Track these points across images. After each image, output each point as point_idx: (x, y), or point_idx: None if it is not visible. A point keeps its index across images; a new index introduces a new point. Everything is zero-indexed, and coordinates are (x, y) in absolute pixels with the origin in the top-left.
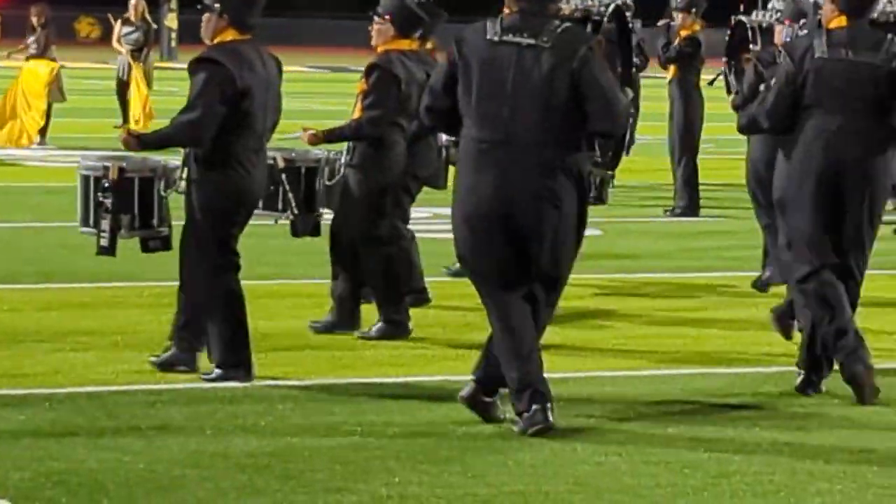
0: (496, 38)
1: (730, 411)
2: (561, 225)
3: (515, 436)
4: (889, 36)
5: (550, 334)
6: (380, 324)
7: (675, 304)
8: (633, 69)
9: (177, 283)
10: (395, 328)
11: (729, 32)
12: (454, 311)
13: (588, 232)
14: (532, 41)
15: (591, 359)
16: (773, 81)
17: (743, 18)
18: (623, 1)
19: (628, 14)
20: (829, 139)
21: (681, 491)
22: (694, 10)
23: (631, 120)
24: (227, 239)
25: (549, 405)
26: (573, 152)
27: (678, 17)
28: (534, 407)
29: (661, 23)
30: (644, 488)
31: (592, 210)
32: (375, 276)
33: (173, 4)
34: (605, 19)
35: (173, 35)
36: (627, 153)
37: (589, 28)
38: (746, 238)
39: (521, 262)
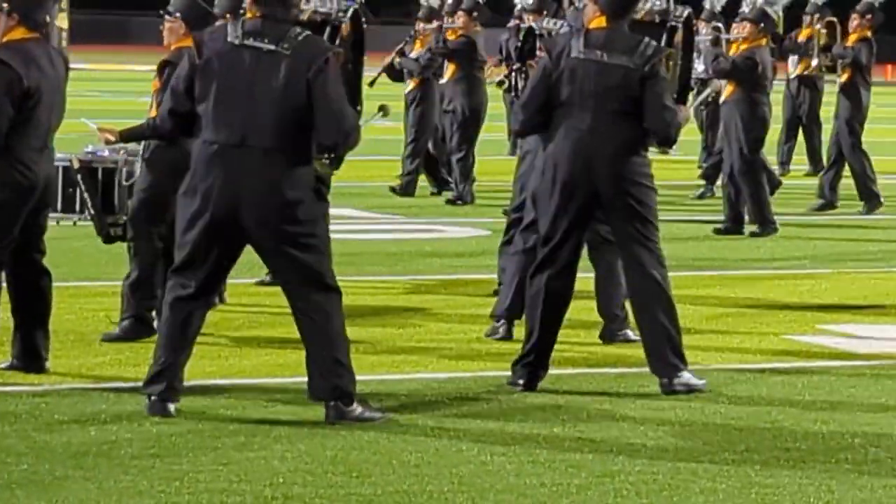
0: (237, 42)
1: (614, 411)
2: (291, 227)
3: (400, 435)
4: (645, 39)
5: (415, 336)
6: (126, 322)
7: None
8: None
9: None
10: (142, 326)
11: (521, 39)
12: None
13: (476, 232)
14: (273, 47)
15: (464, 360)
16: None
17: (533, 25)
18: (360, 1)
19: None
20: (581, 138)
21: (565, 490)
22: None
23: None
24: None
25: None
26: (306, 157)
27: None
28: None
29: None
30: (528, 488)
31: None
32: (145, 268)
33: (64, 4)
34: (345, 23)
35: (64, 35)
36: None
37: (327, 32)
38: None
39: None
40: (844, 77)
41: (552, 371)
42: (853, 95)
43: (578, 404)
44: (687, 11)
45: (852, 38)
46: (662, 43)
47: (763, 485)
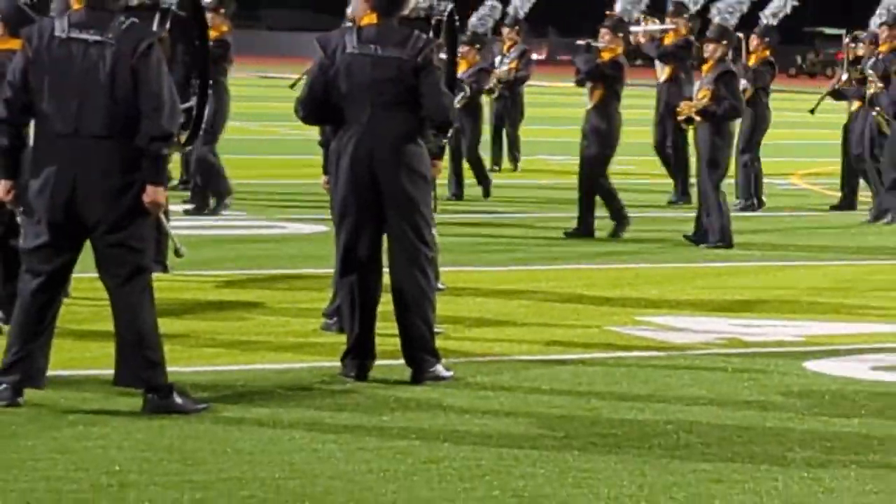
0: (64, 35)
1: (441, 400)
2: (128, 214)
3: (235, 424)
4: (416, 32)
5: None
6: None
7: None
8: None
9: None
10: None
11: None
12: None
13: (315, 228)
14: (98, 38)
15: (299, 352)
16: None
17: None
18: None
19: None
20: (361, 130)
21: (392, 476)
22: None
23: None
24: None
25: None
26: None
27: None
28: None
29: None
30: (357, 474)
31: None
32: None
33: None
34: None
35: None
36: None
37: (156, 19)
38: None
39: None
40: (746, 95)
41: (383, 362)
42: (758, 112)
43: (407, 394)
44: (450, 6)
45: (753, 58)
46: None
47: (580, 469)
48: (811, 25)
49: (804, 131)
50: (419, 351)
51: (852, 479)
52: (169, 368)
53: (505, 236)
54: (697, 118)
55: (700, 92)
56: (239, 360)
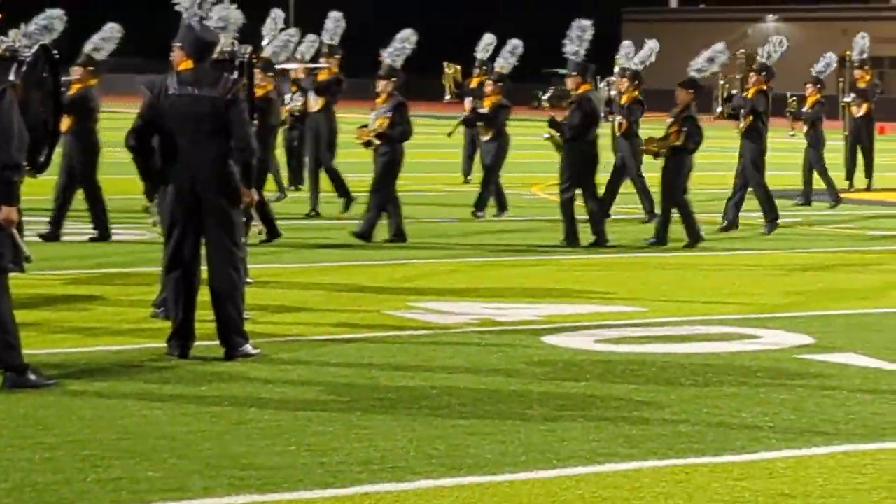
0: None
1: (248, 372)
2: None
3: (79, 396)
4: (225, 74)
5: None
6: None
7: None
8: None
9: None
10: None
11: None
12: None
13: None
14: None
15: (132, 336)
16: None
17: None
18: (48, 42)
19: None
20: (184, 159)
21: (208, 435)
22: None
23: None
24: None
25: None
26: None
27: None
28: None
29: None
30: (179, 434)
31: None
32: None
33: None
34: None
35: None
36: None
37: (13, 69)
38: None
39: None
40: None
41: (202, 343)
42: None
43: (221, 369)
44: (249, 49)
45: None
46: (235, 75)
47: (363, 426)
48: (549, 67)
49: (541, 152)
50: (231, 333)
51: (579, 429)
52: (24, 351)
53: (300, 238)
54: (377, 140)
55: (377, 121)
56: (82, 344)
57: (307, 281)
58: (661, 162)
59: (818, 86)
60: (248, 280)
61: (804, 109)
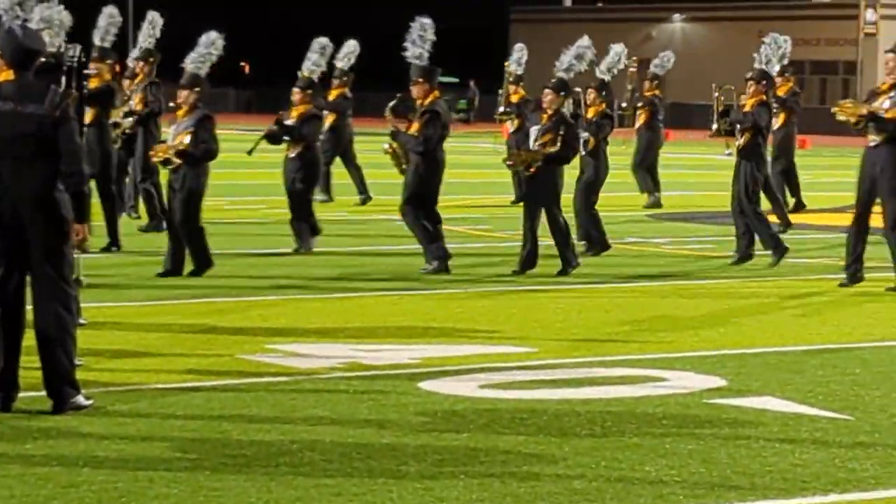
0: None
1: (80, 427)
2: None
3: None
4: (52, 87)
5: None
6: None
7: None
8: None
9: None
10: None
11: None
12: None
13: None
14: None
15: None
16: None
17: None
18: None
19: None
20: (5, 185)
21: (33, 501)
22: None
23: None
24: None
25: None
26: None
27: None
28: None
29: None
30: (1, 499)
31: None
32: None
33: None
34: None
35: None
36: None
37: (63, 77)
38: None
39: None
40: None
41: (26, 394)
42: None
43: (49, 423)
44: (78, 49)
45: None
46: (64, 83)
47: (211, 488)
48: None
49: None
50: (60, 383)
51: (461, 488)
52: None
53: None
54: (176, 159)
55: (178, 136)
56: None
57: (149, 321)
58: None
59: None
60: (81, 321)
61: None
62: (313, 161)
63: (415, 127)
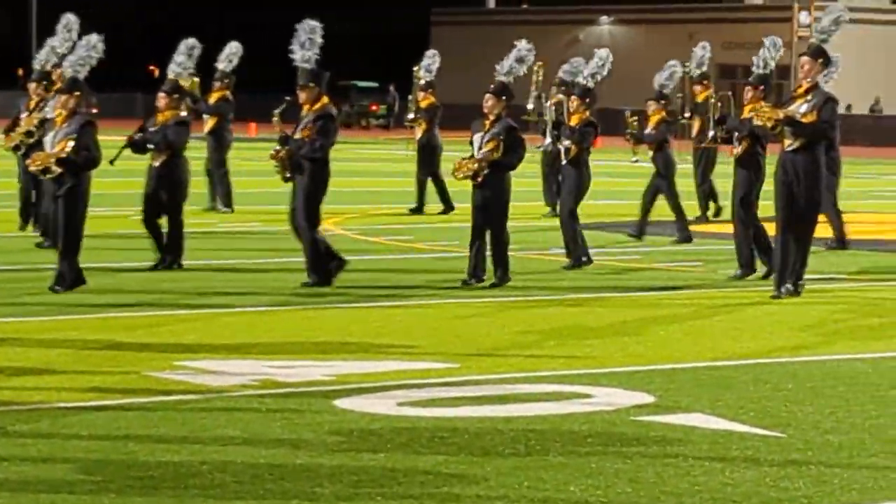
0: None
1: None
2: None
3: None
4: None
5: None
6: None
7: None
8: None
9: None
10: None
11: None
12: None
13: None
14: None
15: None
16: None
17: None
18: None
19: None
20: None
21: None
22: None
23: None
24: None
25: None
26: None
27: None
28: None
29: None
30: None
31: None
32: None
33: None
34: None
35: None
36: None
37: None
38: None
39: None
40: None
41: None
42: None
43: None
44: None
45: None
46: None
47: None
48: (345, 79)
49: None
50: None
51: None
52: None
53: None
54: (56, 168)
55: (59, 144)
56: None
57: (51, 337)
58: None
59: (662, 101)
60: None
61: (647, 130)
62: (179, 170)
63: (305, 133)
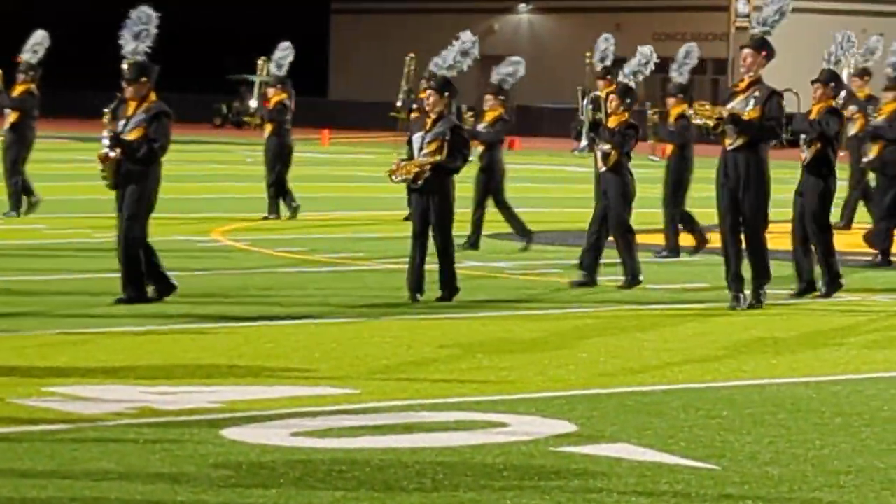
0: None
1: None
2: None
3: None
4: None
5: None
6: None
7: None
8: None
9: None
10: None
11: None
12: None
13: None
14: None
15: None
16: None
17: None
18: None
19: None
20: None
21: None
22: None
23: None
24: None
25: None
26: None
27: None
28: None
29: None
30: None
31: None
32: None
33: None
34: None
35: None
36: None
37: None
38: None
39: None
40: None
41: None
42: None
43: None
44: None
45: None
46: None
47: None
48: (234, 73)
49: (225, 184)
50: None
51: None
52: None
53: None
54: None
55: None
56: None
57: None
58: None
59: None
60: None
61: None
62: None
63: (137, 133)
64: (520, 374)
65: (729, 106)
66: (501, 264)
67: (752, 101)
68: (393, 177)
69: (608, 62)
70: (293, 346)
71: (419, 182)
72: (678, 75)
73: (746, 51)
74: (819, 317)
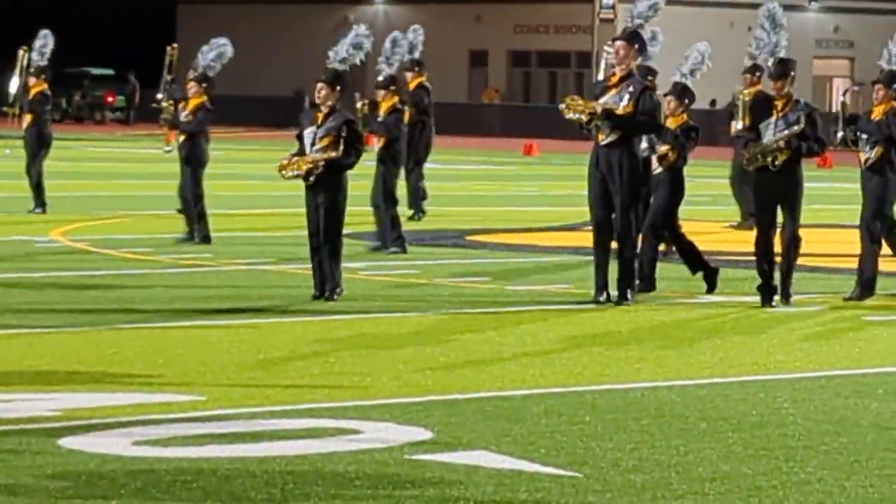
0: None
1: None
2: None
3: None
4: None
5: None
6: None
7: None
8: None
9: None
10: None
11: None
12: None
13: None
14: None
15: None
16: None
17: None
18: None
19: None
20: None
21: None
22: None
23: None
24: None
25: None
26: None
27: None
28: None
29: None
30: None
31: None
32: None
33: None
34: None
35: None
36: None
37: None
38: None
39: None
40: (875, 154)
41: None
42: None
43: None
44: None
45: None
46: None
47: None
48: (76, 66)
49: (84, 182)
50: None
51: None
52: None
53: None
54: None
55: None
56: None
57: None
58: None
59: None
60: None
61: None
62: None
63: None
64: (373, 378)
65: (602, 101)
66: (356, 265)
67: (626, 97)
68: (283, 172)
69: (417, 54)
70: (136, 351)
71: (311, 178)
72: (387, 67)
73: (620, 43)
74: (685, 318)
